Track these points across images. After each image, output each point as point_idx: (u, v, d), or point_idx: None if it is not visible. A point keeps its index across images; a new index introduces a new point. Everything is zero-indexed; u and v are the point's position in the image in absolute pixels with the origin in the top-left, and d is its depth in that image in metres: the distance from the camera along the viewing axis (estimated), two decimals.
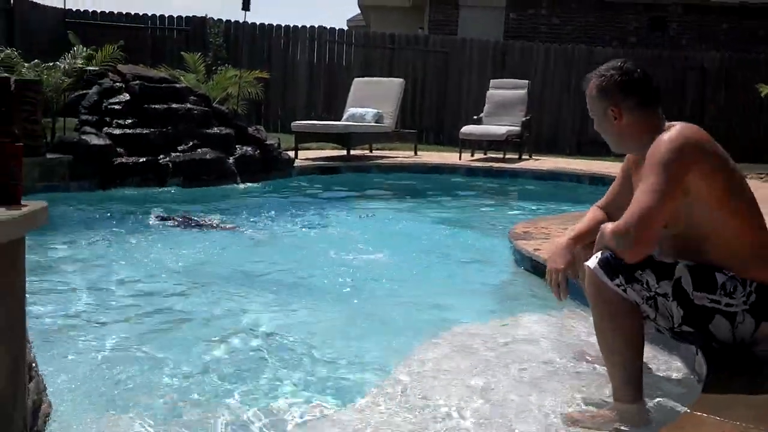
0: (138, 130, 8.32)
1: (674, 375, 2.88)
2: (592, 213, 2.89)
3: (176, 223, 6.06)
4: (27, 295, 3.64)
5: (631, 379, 2.42)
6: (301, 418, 2.53)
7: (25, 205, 1.66)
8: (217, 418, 2.48)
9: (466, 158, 11.93)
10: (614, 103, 2.53)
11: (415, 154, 12.43)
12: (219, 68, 12.15)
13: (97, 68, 9.16)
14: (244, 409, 2.57)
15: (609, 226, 2.46)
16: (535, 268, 4.40)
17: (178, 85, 9.30)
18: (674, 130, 2.42)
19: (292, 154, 10.13)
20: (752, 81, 13.55)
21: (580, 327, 3.42)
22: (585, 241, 2.66)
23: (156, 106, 8.63)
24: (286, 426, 2.48)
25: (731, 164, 2.47)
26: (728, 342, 2.43)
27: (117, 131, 8.21)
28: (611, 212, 2.75)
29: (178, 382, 2.81)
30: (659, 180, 2.34)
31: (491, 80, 13.51)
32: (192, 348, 3.20)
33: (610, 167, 11.09)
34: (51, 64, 8.67)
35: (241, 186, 8.49)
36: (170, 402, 2.61)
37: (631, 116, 2.52)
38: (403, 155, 12.21)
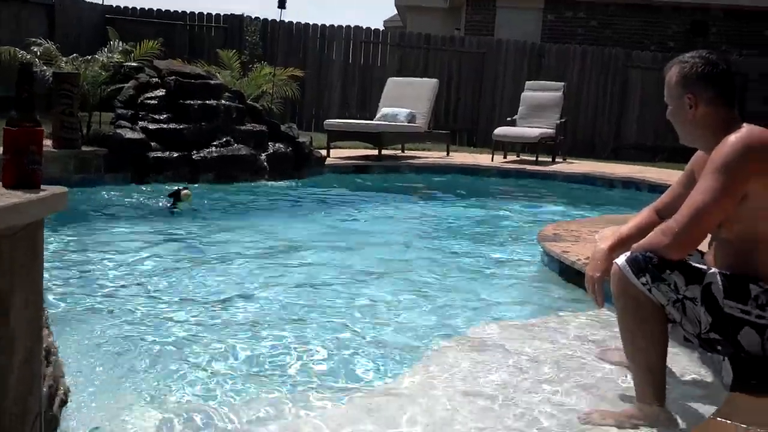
0: (172, 126, 8.41)
1: (700, 380, 2.84)
2: (641, 216, 2.79)
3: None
4: (54, 281, 3.77)
5: (654, 381, 2.38)
6: (335, 400, 2.60)
7: (44, 190, 1.67)
8: (237, 408, 2.49)
9: (498, 160, 11.85)
10: (693, 92, 2.46)
11: (448, 154, 12.38)
12: (254, 66, 12.22)
13: (134, 63, 9.29)
14: (272, 394, 2.60)
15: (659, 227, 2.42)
16: (564, 269, 4.36)
17: (212, 82, 9.36)
18: (743, 131, 2.36)
19: (324, 152, 10.14)
20: None
21: (607, 329, 3.38)
22: (627, 247, 2.52)
23: (191, 102, 8.70)
24: (319, 408, 2.52)
25: None
26: (757, 354, 2.37)
27: (152, 126, 8.30)
28: (667, 215, 2.59)
29: (198, 369, 2.82)
30: (718, 182, 2.29)
31: (527, 82, 13.41)
32: (218, 335, 3.22)
33: (646, 171, 10.98)
34: (89, 57, 8.80)
35: (273, 183, 8.52)
36: (190, 389, 2.61)
37: (706, 108, 2.46)
38: (435, 156, 12.16)
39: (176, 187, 6.73)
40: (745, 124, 2.41)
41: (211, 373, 2.81)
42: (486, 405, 2.59)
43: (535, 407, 2.57)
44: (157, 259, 4.70)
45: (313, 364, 2.98)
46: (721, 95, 2.47)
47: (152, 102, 8.65)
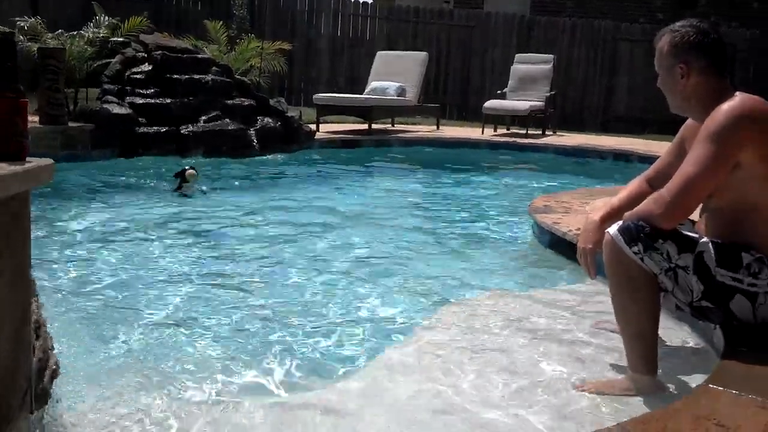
0: (160, 100, 8.34)
1: (692, 349, 2.85)
2: (632, 186, 2.77)
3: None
4: (43, 258, 3.75)
5: (646, 350, 2.39)
6: (318, 377, 2.58)
7: (30, 162, 1.64)
8: (225, 383, 2.48)
9: (488, 133, 11.83)
10: (684, 61, 2.44)
11: (438, 128, 12.35)
12: (242, 40, 12.09)
13: (120, 39, 9.18)
14: (257, 372, 2.59)
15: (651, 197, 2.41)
16: (555, 241, 4.36)
17: (200, 56, 9.28)
18: (736, 100, 2.34)
19: (313, 127, 10.08)
20: None
21: (599, 299, 3.38)
22: (618, 217, 2.50)
23: (178, 77, 8.62)
24: (300, 388, 2.50)
25: None
26: (749, 321, 2.38)
27: (139, 101, 8.23)
28: (658, 184, 2.57)
29: (188, 345, 2.81)
30: (710, 151, 2.28)
31: (516, 55, 13.35)
32: (204, 311, 3.21)
33: (636, 143, 10.98)
34: (75, 33, 8.69)
35: (262, 157, 8.47)
36: (178, 366, 2.60)
37: (698, 77, 2.44)
38: (425, 130, 12.13)
39: (182, 168, 6.25)
40: (737, 93, 2.39)
41: (201, 346, 2.80)
42: (479, 376, 2.59)
43: (529, 378, 2.57)
44: (148, 233, 4.68)
45: (308, 338, 2.96)
46: (713, 64, 2.45)
47: (139, 77, 8.57)
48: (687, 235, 2.41)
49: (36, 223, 4.45)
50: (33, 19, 8.73)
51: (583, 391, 2.44)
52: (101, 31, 8.93)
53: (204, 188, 6.23)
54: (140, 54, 8.96)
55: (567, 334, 3.04)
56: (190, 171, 6.12)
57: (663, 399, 2.28)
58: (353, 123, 11.46)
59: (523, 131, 12.15)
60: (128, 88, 8.41)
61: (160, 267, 3.93)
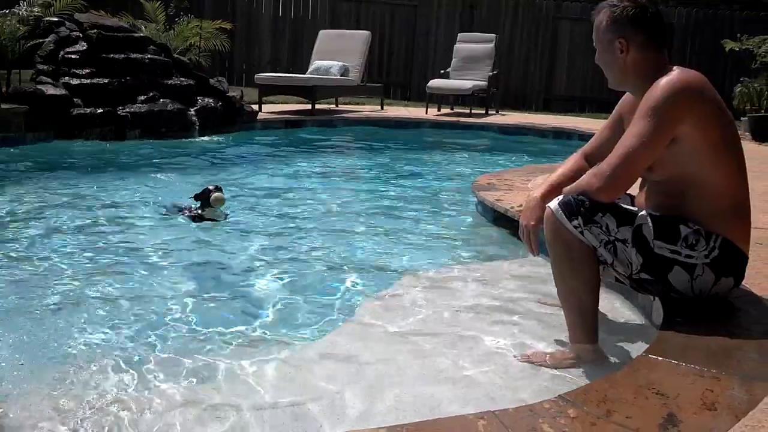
0: (96, 81, 8.13)
1: (631, 320, 2.89)
2: (570, 162, 2.77)
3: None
4: None
5: (586, 321, 2.41)
6: (271, 353, 2.56)
7: None
8: (168, 366, 2.43)
9: (432, 113, 11.85)
10: (624, 36, 2.44)
11: (382, 108, 12.32)
12: (181, 19, 11.85)
13: (54, 18, 8.91)
14: (210, 351, 2.54)
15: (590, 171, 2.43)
16: (497, 218, 4.39)
17: (137, 35, 9.07)
18: (674, 75, 2.35)
19: (255, 107, 9.96)
20: (720, 37, 13.54)
21: (541, 275, 3.41)
22: (558, 193, 2.50)
23: (114, 56, 8.42)
24: (259, 358, 2.49)
25: (728, 115, 2.42)
26: (687, 293, 2.41)
27: (74, 81, 8.02)
28: (595, 160, 2.58)
29: (121, 332, 2.74)
30: (650, 125, 2.29)
31: (459, 34, 13.37)
32: (143, 291, 3.14)
33: (577, 122, 11.11)
34: (6, 11, 8.41)
35: (203, 138, 8.34)
36: (108, 352, 2.54)
37: (637, 52, 2.44)
38: (369, 110, 12.10)
39: (203, 189, 4.61)
40: (675, 67, 2.41)
41: (138, 328, 2.75)
42: (422, 350, 2.60)
43: (473, 350, 2.59)
44: (78, 219, 4.56)
45: (250, 318, 2.93)
46: (651, 39, 2.46)
47: (74, 57, 8.34)
48: (626, 209, 2.43)
49: None
50: None
51: (525, 362, 2.46)
52: (34, 9, 8.65)
53: (228, 212, 4.72)
54: (75, 33, 8.71)
55: (510, 308, 3.06)
56: (218, 194, 4.54)
57: (603, 370, 2.31)
58: (296, 103, 11.35)
59: (467, 110, 12.21)
60: (63, 68, 8.18)
61: (84, 247, 3.84)
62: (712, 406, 1.79)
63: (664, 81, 2.34)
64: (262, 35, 15.84)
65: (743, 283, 2.56)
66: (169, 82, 8.70)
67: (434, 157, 8.57)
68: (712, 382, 1.92)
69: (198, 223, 4.42)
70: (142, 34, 9.21)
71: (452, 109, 12.74)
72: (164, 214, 4.63)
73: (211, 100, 8.90)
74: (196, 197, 4.59)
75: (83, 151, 7.16)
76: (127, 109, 7.97)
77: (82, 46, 8.48)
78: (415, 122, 10.99)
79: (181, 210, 4.63)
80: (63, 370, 2.34)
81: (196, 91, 8.90)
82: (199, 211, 4.52)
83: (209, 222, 4.47)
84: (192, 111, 8.56)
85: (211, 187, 4.57)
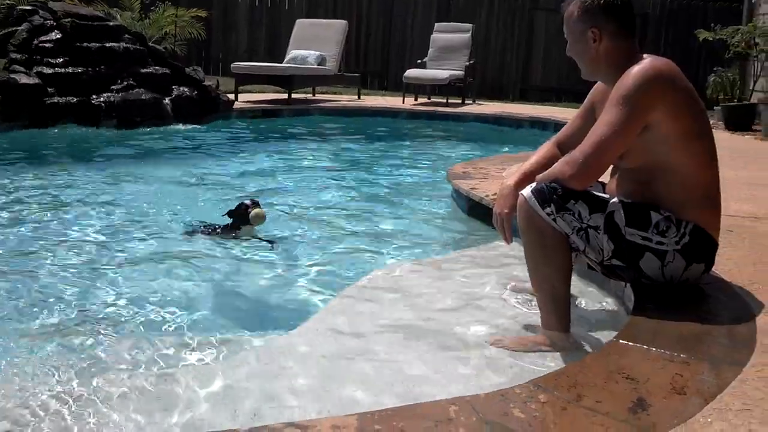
0: (70, 69, 8.04)
1: (603, 307, 2.92)
2: (543, 150, 2.79)
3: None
4: None
5: (558, 308, 2.43)
6: (243, 347, 2.55)
7: None
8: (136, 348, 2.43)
9: (409, 102, 11.85)
10: (596, 25, 2.46)
11: (359, 98, 12.30)
12: (156, 7, 11.76)
13: (27, 6, 8.79)
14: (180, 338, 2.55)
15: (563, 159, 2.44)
16: (472, 206, 4.40)
17: (112, 23, 8.98)
18: (646, 63, 2.37)
19: (232, 96, 9.91)
20: (694, 28, 13.64)
21: (515, 262, 3.43)
22: (532, 181, 2.51)
23: (89, 45, 8.34)
24: (232, 351, 2.49)
25: (700, 104, 2.45)
26: (657, 279, 2.45)
27: (48, 70, 7.92)
28: (567, 149, 2.60)
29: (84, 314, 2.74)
30: (622, 113, 2.31)
31: (436, 24, 13.36)
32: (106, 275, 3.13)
33: (553, 111, 11.16)
34: None
35: (178, 127, 8.28)
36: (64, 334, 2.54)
37: (609, 41, 2.46)
38: (346, 99, 12.07)
39: (240, 203, 4.05)
40: (646, 55, 2.43)
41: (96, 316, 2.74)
42: (396, 339, 2.60)
43: (447, 336, 2.61)
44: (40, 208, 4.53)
45: (216, 312, 2.93)
46: (623, 27, 2.48)
47: (48, 45, 8.23)
48: (598, 196, 2.46)
49: None
50: None
51: (499, 348, 2.48)
52: None
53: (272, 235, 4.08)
54: (49, 22, 8.59)
55: (484, 296, 3.08)
56: (258, 210, 3.97)
57: (575, 355, 2.33)
58: (273, 92, 11.30)
59: (444, 100, 12.22)
60: (37, 57, 8.08)
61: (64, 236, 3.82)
62: (682, 390, 1.81)
63: (636, 69, 2.36)
64: (239, 24, 15.74)
65: (713, 269, 2.60)
66: (144, 70, 8.63)
67: (410, 146, 8.58)
68: (682, 366, 1.95)
69: (236, 236, 3.92)
70: (116, 23, 9.13)
71: (429, 98, 12.75)
72: (189, 232, 4.06)
73: (186, 89, 8.83)
74: (230, 214, 4.02)
75: (56, 141, 7.09)
76: (102, 98, 7.91)
77: (56, 34, 8.38)
78: (392, 112, 10.98)
79: (203, 229, 4.06)
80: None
81: (172, 80, 8.83)
82: (235, 230, 3.95)
83: (247, 242, 3.86)
84: (167, 100, 8.50)
85: (248, 202, 3.99)
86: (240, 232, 3.95)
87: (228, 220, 4.03)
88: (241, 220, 3.96)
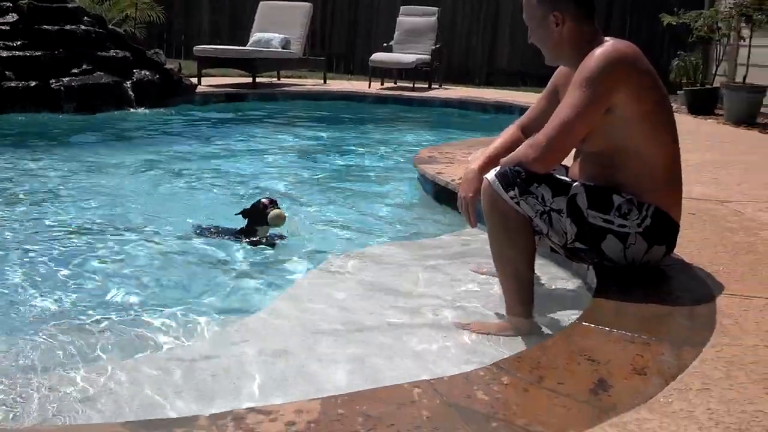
0: (28, 53, 7.87)
1: (566, 289, 2.93)
2: (507, 134, 2.80)
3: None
4: None
5: (522, 291, 2.44)
6: (209, 327, 2.56)
7: None
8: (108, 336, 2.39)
9: (375, 87, 11.80)
10: (556, 8, 2.45)
11: (325, 82, 12.22)
12: None
13: None
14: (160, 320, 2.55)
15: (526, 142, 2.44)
16: (438, 191, 4.40)
17: (70, 5, 8.80)
18: (608, 45, 2.38)
19: (195, 80, 9.79)
20: (659, 12, 13.73)
21: (480, 247, 3.43)
22: (496, 165, 2.50)
23: (47, 27, 8.17)
24: (197, 335, 2.49)
25: (662, 88, 2.46)
26: (620, 261, 2.46)
27: (5, 53, 7.76)
28: (531, 132, 2.59)
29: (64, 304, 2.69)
30: (585, 95, 2.31)
31: (401, 7, 13.29)
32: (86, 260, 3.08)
33: (517, 96, 11.19)
34: None
35: (139, 112, 8.16)
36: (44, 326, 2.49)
37: (571, 24, 2.45)
38: (311, 83, 12.00)
39: (257, 202, 3.65)
40: (608, 38, 2.44)
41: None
42: (361, 324, 2.60)
43: (411, 323, 2.60)
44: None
45: (183, 296, 2.90)
46: (584, 10, 2.48)
47: (4, 28, 8.06)
48: (561, 179, 2.46)
49: None
50: None
51: (462, 330, 2.48)
52: None
53: (285, 233, 3.72)
54: (5, 3, 8.40)
55: (448, 280, 3.08)
56: (276, 211, 3.55)
57: (538, 338, 2.34)
58: (237, 76, 11.19)
59: (410, 85, 12.19)
60: None
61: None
62: (642, 370, 1.83)
63: (598, 51, 2.36)
64: (201, 6, 15.54)
65: (675, 251, 2.63)
66: (104, 54, 8.47)
67: (377, 130, 8.54)
68: (643, 347, 1.96)
69: (251, 244, 3.53)
70: (75, 5, 8.94)
71: (396, 83, 12.70)
72: (197, 233, 3.71)
73: (147, 73, 8.70)
74: (245, 214, 3.64)
75: (14, 126, 6.95)
76: (61, 82, 7.75)
77: (12, 17, 8.19)
78: (359, 96, 10.93)
79: (207, 231, 3.73)
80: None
81: (133, 64, 8.69)
82: (251, 236, 3.57)
83: (263, 246, 3.53)
84: (128, 84, 8.36)
85: (265, 201, 3.60)
86: (256, 235, 3.57)
87: (226, 222, 3.75)
88: (257, 220, 3.58)
